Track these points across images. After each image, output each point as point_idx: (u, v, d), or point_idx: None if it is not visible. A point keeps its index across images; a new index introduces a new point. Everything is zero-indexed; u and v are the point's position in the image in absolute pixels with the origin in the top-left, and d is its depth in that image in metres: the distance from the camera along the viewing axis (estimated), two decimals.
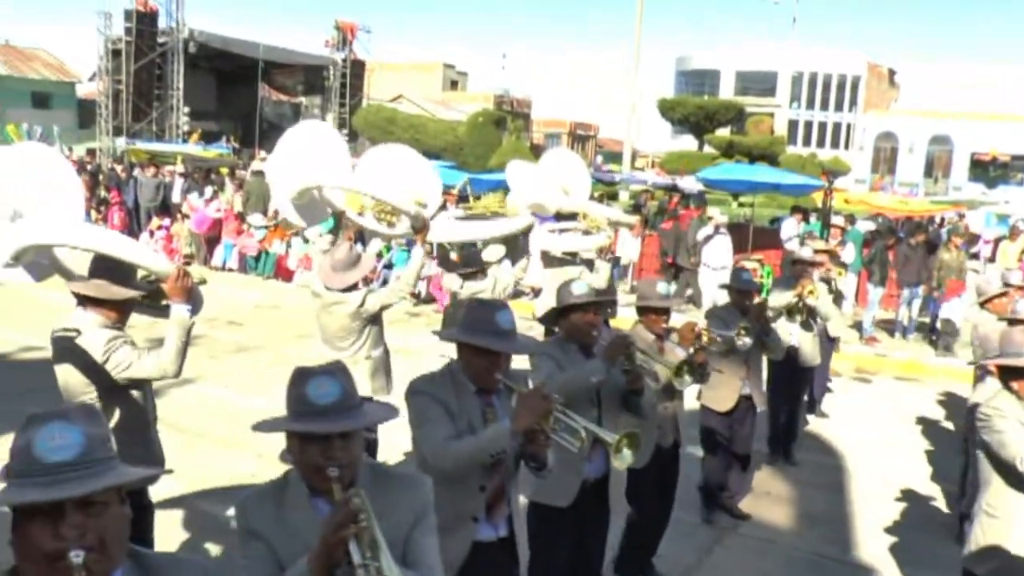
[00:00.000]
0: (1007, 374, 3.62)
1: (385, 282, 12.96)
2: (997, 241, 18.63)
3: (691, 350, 4.46)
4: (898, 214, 21.10)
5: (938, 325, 12.37)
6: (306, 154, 5.98)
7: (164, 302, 3.81)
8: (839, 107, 61.94)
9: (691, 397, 5.25)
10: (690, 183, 22.41)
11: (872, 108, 61.82)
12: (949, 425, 8.98)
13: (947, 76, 65.69)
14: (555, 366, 3.76)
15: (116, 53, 31.63)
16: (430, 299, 13.51)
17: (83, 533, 1.53)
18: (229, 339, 10.56)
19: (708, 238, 13.52)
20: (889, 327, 13.02)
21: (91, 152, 30.22)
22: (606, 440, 3.03)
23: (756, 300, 5.92)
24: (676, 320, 4.84)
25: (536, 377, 3.62)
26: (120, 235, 4.17)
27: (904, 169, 56.05)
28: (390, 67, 51.92)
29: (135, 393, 3.80)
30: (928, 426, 8.92)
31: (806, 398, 8.08)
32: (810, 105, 61.80)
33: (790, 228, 15.01)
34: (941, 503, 6.74)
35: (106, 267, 3.66)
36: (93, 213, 16.69)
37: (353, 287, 5.39)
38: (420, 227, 5.68)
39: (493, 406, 3.04)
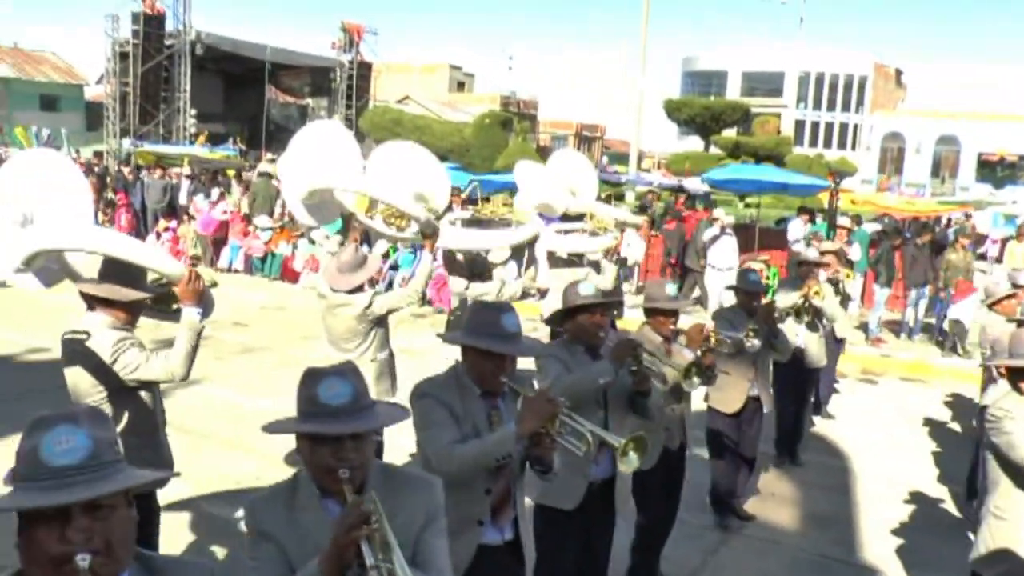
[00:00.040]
0: (1016, 375, 3.60)
1: (391, 283, 12.98)
2: (1004, 241, 18.55)
3: (699, 352, 4.43)
4: (905, 215, 21.08)
5: (944, 326, 12.33)
6: (319, 154, 5.98)
7: (175, 305, 3.81)
8: (846, 107, 61.70)
9: (697, 399, 5.24)
10: (696, 184, 22.39)
11: (879, 108, 61.65)
12: (955, 426, 8.95)
13: (954, 76, 65.84)
14: (562, 368, 3.75)
15: (123, 56, 31.69)
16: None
17: (90, 537, 1.52)
18: (235, 340, 10.57)
19: (714, 239, 13.46)
20: (895, 328, 12.99)
21: (98, 154, 30.34)
22: (612, 443, 3.01)
23: (763, 301, 5.91)
24: (682, 322, 4.82)
25: (543, 379, 3.62)
26: (132, 239, 4.15)
27: (911, 169, 55.94)
28: (397, 68, 51.96)
29: (144, 395, 3.79)
30: (934, 427, 8.89)
31: (812, 399, 8.06)
32: (817, 105, 61.56)
33: (796, 229, 14.98)
34: (947, 504, 6.72)
35: (116, 270, 3.66)
36: (100, 215, 16.75)
37: (359, 289, 5.37)
38: (430, 233, 5.67)
39: (498, 409, 3.02)
